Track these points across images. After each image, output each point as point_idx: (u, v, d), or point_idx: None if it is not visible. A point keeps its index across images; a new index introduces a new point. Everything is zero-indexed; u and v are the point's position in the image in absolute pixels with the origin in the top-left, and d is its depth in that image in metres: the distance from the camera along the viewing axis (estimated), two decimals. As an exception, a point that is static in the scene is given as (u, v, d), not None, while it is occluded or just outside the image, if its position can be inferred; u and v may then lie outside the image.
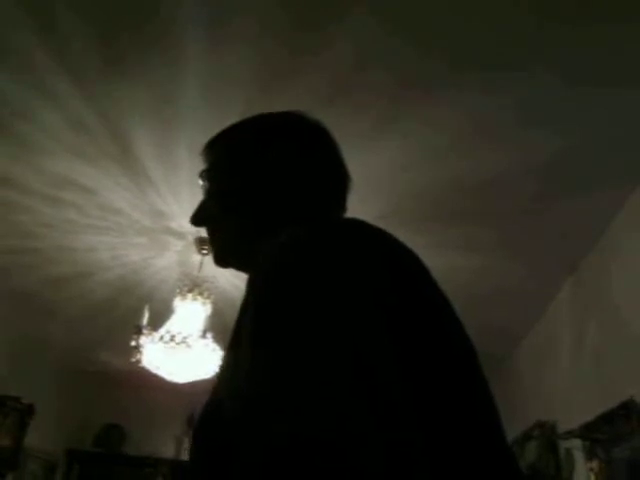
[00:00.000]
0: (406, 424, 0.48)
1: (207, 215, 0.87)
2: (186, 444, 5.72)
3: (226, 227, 0.84)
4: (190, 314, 3.02)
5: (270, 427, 0.48)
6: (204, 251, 3.11)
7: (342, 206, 0.88)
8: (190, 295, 3.05)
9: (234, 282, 3.48)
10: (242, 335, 0.60)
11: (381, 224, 0.64)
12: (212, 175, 0.88)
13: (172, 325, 2.96)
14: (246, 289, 0.63)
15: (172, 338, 2.84)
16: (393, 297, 0.56)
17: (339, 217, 0.84)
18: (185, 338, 2.84)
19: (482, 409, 0.59)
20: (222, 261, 0.86)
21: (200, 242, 3.09)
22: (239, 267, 0.86)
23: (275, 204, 0.81)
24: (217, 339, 3.02)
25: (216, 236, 0.86)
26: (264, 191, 0.82)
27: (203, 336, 2.92)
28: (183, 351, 2.83)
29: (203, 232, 3.51)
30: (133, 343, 2.99)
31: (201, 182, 0.89)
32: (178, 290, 3.10)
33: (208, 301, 3.10)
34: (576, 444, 2.68)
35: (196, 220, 0.88)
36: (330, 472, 0.44)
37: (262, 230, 0.79)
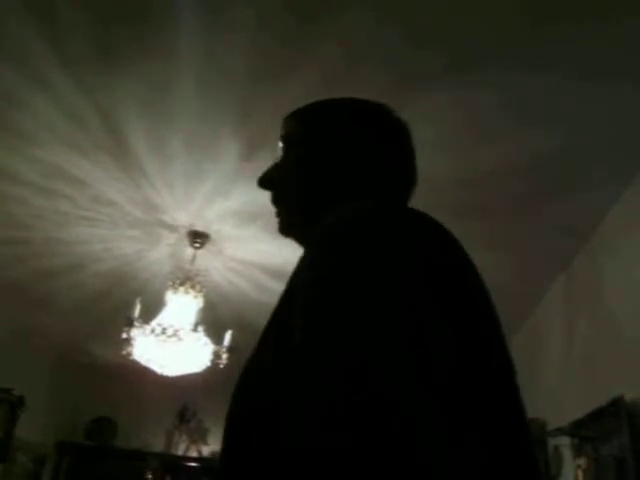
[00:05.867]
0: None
1: (275, 179, 0.87)
2: (177, 438, 5.72)
3: (290, 195, 0.85)
4: (182, 307, 3.02)
5: (318, 393, 0.48)
6: (197, 244, 3.11)
7: (404, 199, 0.89)
8: (182, 288, 3.05)
9: (226, 276, 3.48)
10: (294, 303, 0.60)
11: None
12: (289, 143, 0.88)
13: (164, 318, 2.96)
14: (301, 259, 0.64)
15: (163, 331, 2.84)
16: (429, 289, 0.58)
17: (403, 205, 0.84)
18: (176, 331, 2.84)
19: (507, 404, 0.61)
20: (286, 230, 0.86)
21: (193, 235, 3.09)
22: (299, 237, 0.85)
23: (342, 182, 0.82)
24: (208, 332, 3.02)
25: (280, 203, 0.87)
26: (335, 167, 0.83)
27: (194, 329, 2.92)
28: (174, 344, 2.83)
29: (196, 226, 3.47)
30: (124, 335, 2.99)
31: (281, 144, 0.89)
32: (170, 283, 3.10)
33: (200, 294, 3.10)
34: (564, 441, 2.70)
35: (263, 182, 0.88)
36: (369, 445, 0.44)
37: (324, 204, 0.78)
